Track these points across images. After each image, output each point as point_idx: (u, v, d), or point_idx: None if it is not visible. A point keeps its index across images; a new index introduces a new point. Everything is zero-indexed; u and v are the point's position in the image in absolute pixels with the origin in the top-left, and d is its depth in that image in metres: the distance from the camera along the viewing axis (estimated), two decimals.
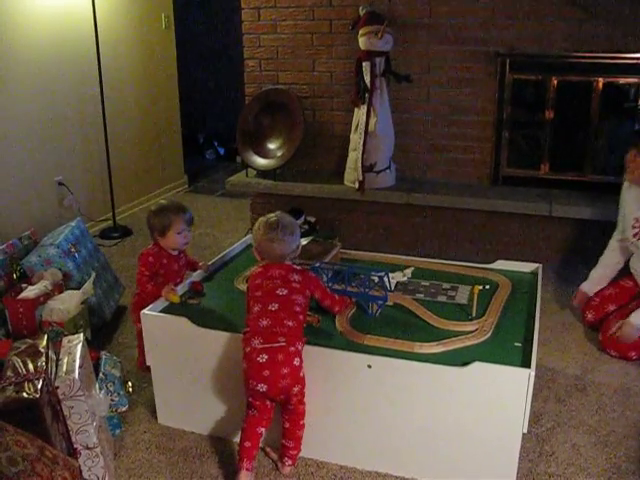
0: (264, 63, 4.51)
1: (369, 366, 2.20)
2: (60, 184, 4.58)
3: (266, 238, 2.33)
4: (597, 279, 3.35)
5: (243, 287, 2.71)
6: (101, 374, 2.58)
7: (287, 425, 2.29)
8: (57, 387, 2.12)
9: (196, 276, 2.82)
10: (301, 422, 2.29)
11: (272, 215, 2.39)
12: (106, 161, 4.81)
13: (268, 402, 2.23)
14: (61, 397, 2.13)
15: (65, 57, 4.57)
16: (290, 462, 2.33)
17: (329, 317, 2.47)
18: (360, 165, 4.03)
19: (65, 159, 4.65)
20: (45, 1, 4.33)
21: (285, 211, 4.14)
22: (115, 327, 3.41)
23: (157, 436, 2.55)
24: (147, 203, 5.46)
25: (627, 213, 3.20)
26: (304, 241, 3.13)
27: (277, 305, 2.22)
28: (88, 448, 2.23)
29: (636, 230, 3.12)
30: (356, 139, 4.08)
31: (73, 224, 3.50)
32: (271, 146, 4.37)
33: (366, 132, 4.00)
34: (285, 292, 2.26)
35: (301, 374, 2.20)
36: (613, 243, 3.32)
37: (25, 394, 1.91)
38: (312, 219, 4.21)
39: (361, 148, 4.01)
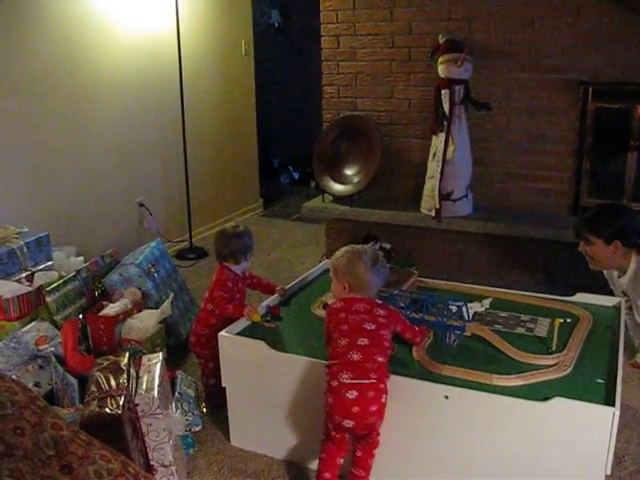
0: (342, 90, 4.54)
1: (446, 397, 2.17)
2: (140, 205, 4.71)
3: (372, 271, 2.32)
4: None
5: (320, 313, 2.72)
6: (177, 393, 2.63)
7: (359, 454, 2.26)
8: (137, 404, 2.17)
9: (273, 300, 2.85)
10: (374, 452, 2.26)
11: (361, 247, 2.40)
12: (185, 184, 4.93)
13: (347, 435, 2.21)
14: (140, 414, 2.18)
15: (148, 82, 4.73)
16: None
17: (406, 345, 2.45)
18: (437, 193, 4.01)
19: (146, 181, 4.79)
20: (132, 28, 4.50)
21: (361, 237, 4.24)
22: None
23: (230, 457, 2.57)
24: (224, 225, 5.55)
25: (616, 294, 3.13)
26: None
27: (367, 340, 2.19)
28: (164, 466, 2.27)
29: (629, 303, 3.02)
30: (433, 167, 4.07)
31: (153, 244, 3.59)
32: (348, 172, 4.39)
33: (444, 160, 3.97)
34: (373, 327, 2.23)
35: (385, 409, 2.17)
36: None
37: (108, 410, 1.96)
38: (387, 246, 4.20)
39: (438, 176, 3.99)
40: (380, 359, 2.17)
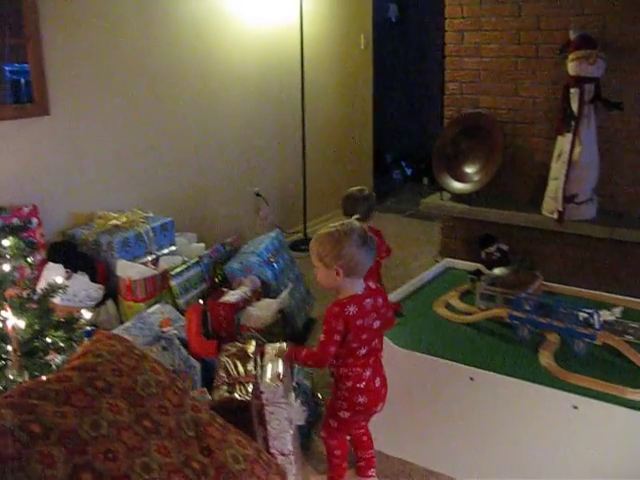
0: (465, 86, 4.46)
1: (574, 407, 2.10)
2: (257, 195, 4.79)
3: (364, 249, 2.08)
4: None
5: (442, 312, 2.69)
6: (294, 383, 2.65)
7: (365, 438, 2.37)
8: (262, 392, 2.20)
9: (394, 296, 2.83)
10: None
11: (345, 224, 2.13)
12: (302, 175, 4.98)
13: None
14: (264, 402, 2.21)
15: (270, 75, 4.80)
16: (373, 471, 2.39)
17: (532, 350, 2.38)
18: (561, 195, 3.88)
19: (263, 171, 4.87)
20: (256, 22, 4.59)
21: (477, 237, 4.15)
22: (305, 338, 3.49)
23: None
24: (336, 219, 5.58)
25: None
26: (498, 271, 3.06)
27: (377, 340, 2.19)
28: (283, 454, 2.30)
29: None
30: (558, 168, 3.93)
31: (273, 234, 3.64)
32: (468, 170, 4.31)
33: (569, 161, 3.84)
34: (378, 324, 2.17)
35: None
36: None
37: (237, 395, 2.01)
38: (504, 247, 4.10)
39: (563, 178, 3.86)
40: (381, 345, 2.22)
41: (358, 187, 3.18)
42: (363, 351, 2.13)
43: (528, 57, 4.21)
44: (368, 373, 2.15)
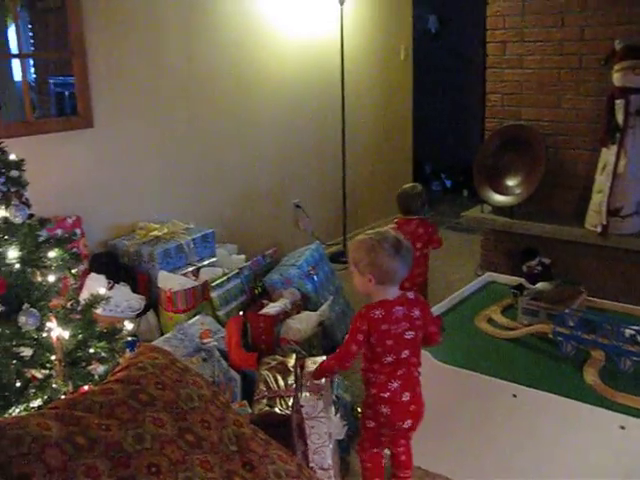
0: (506, 98, 4.42)
1: (622, 427, 2.05)
2: (297, 206, 4.80)
3: (396, 259, 2.07)
4: None
5: (484, 326, 2.66)
6: (334, 396, 2.64)
7: (404, 458, 2.31)
8: (302, 406, 2.20)
9: (436, 310, 2.80)
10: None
11: (380, 232, 2.16)
12: (342, 187, 4.98)
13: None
14: (304, 416, 2.20)
15: (310, 86, 4.82)
16: None
17: (576, 367, 2.33)
18: (605, 208, 3.81)
19: (302, 183, 4.88)
20: (296, 32, 4.62)
21: (518, 251, 4.10)
22: None
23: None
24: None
25: None
26: (540, 285, 3.02)
27: (408, 352, 2.12)
28: (323, 469, 2.28)
29: None
30: (602, 181, 3.87)
31: (313, 247, 3.64)
32: (509, 183, 4.26)
33: (614, 174, 3.77)
34: (412, 335, 2.12)
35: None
36: None
37: (278, 409, 2.00)
38: (546, 261, 4.03)
39: (607, 191, 3.79)
40: (417, 360, 2.16)
41: (410, 184, 3.58)
42: (389, 359, 2.10)
43: (571, 68, 4.15)
44: (395, 385, 2.11)
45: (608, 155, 3.85)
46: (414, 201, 3.39)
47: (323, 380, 2.28)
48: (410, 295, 2.15)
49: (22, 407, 1.85)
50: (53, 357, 1.95)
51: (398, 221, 3.41)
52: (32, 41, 3.55)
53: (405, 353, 2.11)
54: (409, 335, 2.10)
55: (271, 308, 3.17)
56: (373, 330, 2.08)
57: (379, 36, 5.47)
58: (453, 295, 2.97)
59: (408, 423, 2.14)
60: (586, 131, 4.17)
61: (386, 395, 2.12)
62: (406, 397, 2.12)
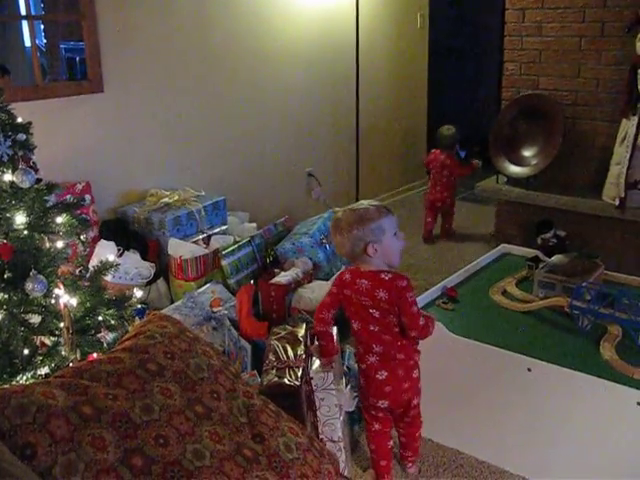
0: (525, 67, 4.32)
1: (639, 404, 2.01)
2: (310, 175, 4.74)
3: (335, 236, 2.09)
4: None
5: (499, 299, 2.61)
6: (344, 367, 2.61)
7: (404, 440, 2.30)
8: (311, 377, 2.16)
9: (450, 281, 2.76)
10: (417, 434, 2.28)
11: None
12: (355, 156, 4.92)
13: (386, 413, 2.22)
14: (314, 388, 2.17)
15: (324, 55, 4.74)
16: (411, 465, 2.34)
17: (590, 341, 2.29)
18: (623, 181, 3.73)
19: (316, 152, 4.82)
20: (314, 3, 4.52)
21: (533, 222, 4.03)
22: None
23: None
24: (391, 199, 5.54)
25: None
26: (556, 258, 2.96)
27: (377, 327, 2.07)
28: (333, 441, 2.26)
29: None
30: (621, 152, 3.78)
31: (325, 215, 3.59)
32: (526, 153, 4.18)
33: (634, 146, 3.68)
34: (377, 314, 2.05)
35: (420, 385, 2.15)
36: None
37: (287, 380, 1.97)
38: (562, 233, 3.97)
39: (626, 163, 3.71)
40: (399, 343, 2.08)
41: (446, 126, 4.74)
42: (355, 326, 2.11)
43: (593, 36, 4.04)
44: (372, 360, 2.10)
45: (628, 126, 3.76)
46: (445, 139, 4.68)
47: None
48: (385, 276, 2.02)
49: (29, 375, 1.83)
50: (61, 325, 1.92)
51: (434, 151, 4.72)
52: (42, 5, 3.49)
53: (373, 328, 2.07)
54: (374, 313, 2.05)
55: (282, 277, 3.13)
56: (340, 290, 2.13)
57: (395, 3, 5.35)
58: (467, 266, 2.93)
59: (383, 403, 2.14)
60: (606, 101, 4.07)
61: (363, 366, 2.15)
62: (381, 375, 2.09)
